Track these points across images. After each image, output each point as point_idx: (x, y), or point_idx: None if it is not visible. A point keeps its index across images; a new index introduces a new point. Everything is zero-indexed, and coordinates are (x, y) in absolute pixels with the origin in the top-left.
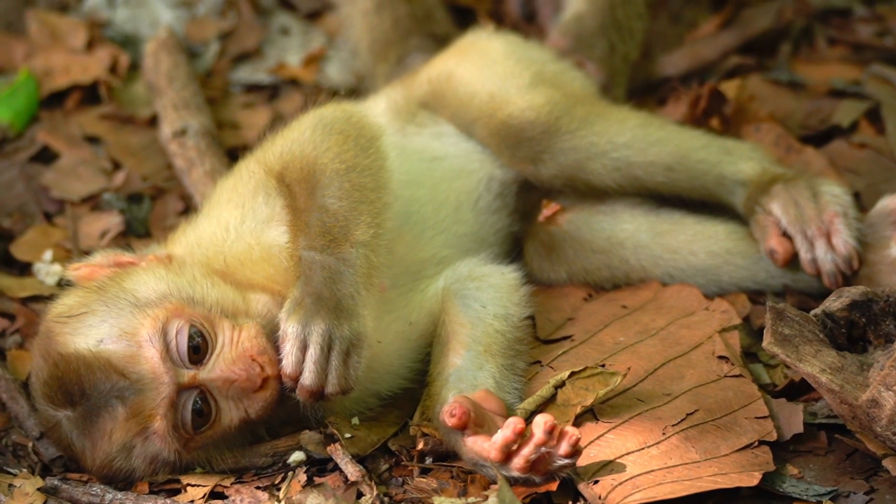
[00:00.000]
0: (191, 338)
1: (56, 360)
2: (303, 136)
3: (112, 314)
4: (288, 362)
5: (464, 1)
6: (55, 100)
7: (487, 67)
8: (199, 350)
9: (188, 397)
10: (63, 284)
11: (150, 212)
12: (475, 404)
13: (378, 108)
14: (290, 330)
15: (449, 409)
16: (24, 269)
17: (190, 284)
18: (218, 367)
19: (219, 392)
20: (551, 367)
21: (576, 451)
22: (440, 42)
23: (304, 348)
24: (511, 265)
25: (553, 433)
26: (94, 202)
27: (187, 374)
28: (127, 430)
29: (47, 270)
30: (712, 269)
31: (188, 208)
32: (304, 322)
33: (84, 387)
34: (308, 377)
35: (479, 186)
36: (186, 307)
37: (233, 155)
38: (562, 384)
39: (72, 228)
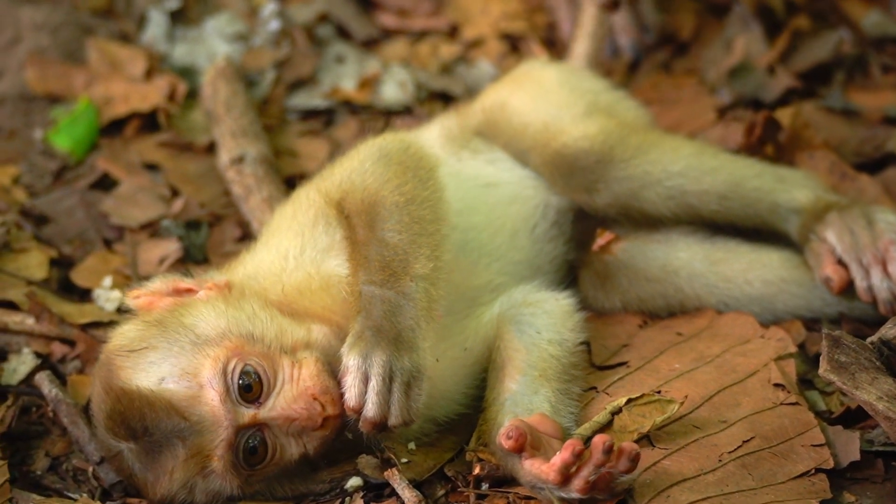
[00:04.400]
0: (249, 377)
1: (118, 395)
2: (362, 166)
3: (173, 352)
4: (350, 395)
5: (517, 29)
6: (115, 127)
7: (541, 97)
8: (255, 390)
9: (248, 435)
10: (122, 311)
11: (207, 238)
12: (531, 427)
13: (431, 135)
14: (351, 363)
15: (505, 431)
16: (84, 295)
17: (249, 319)
18: (278, 405)
19: (279, 429)
20: (607, 394)
21: (634, 466)
22: None
23: (365, 380)
24: (566, 292)
25: (611, 452)
26: (152, 229)
27: (247, 414)
28: (187, 470)
29: (107, 297)
30: (767, 297)
31: (245, 235)
32: (365, 354)
33: (146, 424)
34: (371, 409)
35: (536, 213)
36: (246, 345)
37: (290, 182)
38: (619, 410)
39: (131, 255)
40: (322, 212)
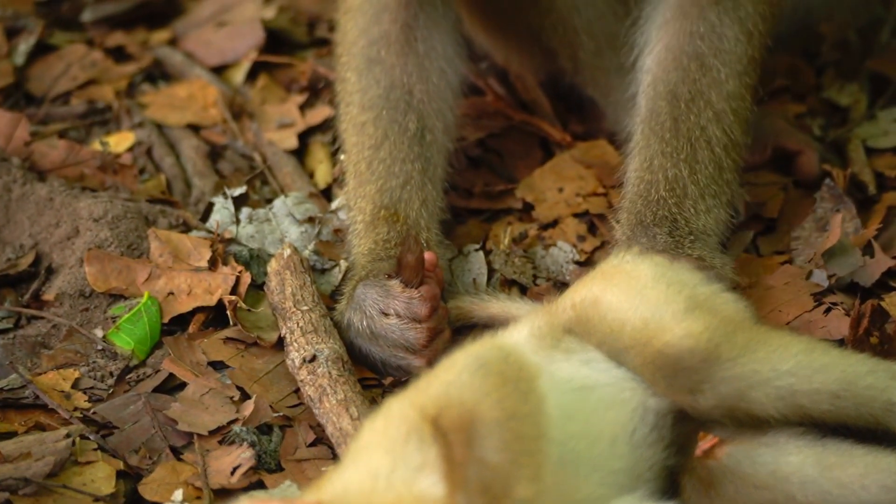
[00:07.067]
0: None
1: None
2: (459, 378)
3: None
4: None
5: (595, 208)
6: (178, 322)
7: (637, 293)
8: None
9: None
10: None
11: (280, 444)
12: None
13: (521, 336)
14: None
15: None
16: None
17: None
18: None
19: None
20: None
21: None
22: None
23: None
24: (668, 501)
25: None
26: (222, 434)
27: None
28: None
29: None
30: None
31: (319, 439)
32: None
33: None
34: None
35: (634, 417)
36: None
37: (364, 383)
38: None
39: (201, 465)
40: (416, 427)
